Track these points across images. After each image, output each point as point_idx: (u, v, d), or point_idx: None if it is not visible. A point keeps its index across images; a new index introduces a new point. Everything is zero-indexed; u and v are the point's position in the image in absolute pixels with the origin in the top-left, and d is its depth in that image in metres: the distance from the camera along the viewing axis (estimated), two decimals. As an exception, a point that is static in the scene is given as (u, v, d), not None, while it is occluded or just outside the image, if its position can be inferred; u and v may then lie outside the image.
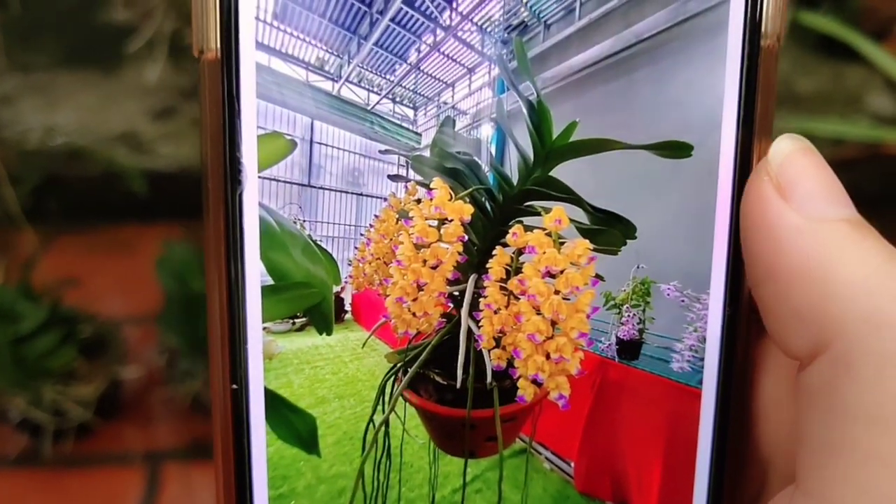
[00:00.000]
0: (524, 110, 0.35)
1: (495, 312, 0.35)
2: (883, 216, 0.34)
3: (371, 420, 0.36)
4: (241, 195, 0.32)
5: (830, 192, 0.29)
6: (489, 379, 0.36)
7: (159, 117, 1.09)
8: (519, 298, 0.35)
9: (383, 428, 0.36)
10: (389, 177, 0.36)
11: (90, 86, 1.12)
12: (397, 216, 0.36)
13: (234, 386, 0.33)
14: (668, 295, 0.34)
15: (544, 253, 0.34)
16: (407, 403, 0.36)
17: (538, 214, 0.35)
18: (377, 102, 0.37)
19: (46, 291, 0.94)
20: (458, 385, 0.36)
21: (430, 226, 0.35)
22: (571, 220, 0.34)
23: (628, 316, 0.36)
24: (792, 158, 0.30)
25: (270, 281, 0.33)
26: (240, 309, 0.32)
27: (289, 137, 0.34)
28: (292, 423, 0.34)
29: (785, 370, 0.32)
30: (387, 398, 0.36)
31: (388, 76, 0.37)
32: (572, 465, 0.38)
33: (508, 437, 0.37)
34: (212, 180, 0.31)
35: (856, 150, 1.01)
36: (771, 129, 0.33)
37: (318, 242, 0.35)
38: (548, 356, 0.35)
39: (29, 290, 0.96)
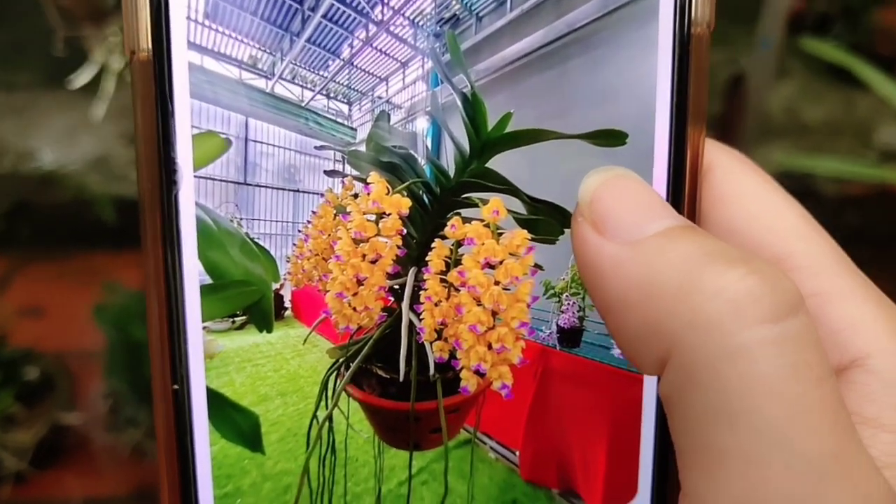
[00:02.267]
0: (459, 103, 0.35)
1: (436, 305, 0.35)
2: (892, 257, 0.34)
3: (314, 416, 0.36)
4: (176, 195, 0.32)
5: (639, 212, 0.29)
6: (432, 371, 0.36)
7: (132, 142, 1.08)
8: (459, 290, 0.35)
9: (327, 423, 0.36)
10: (326, 172, 0.36)
11: (68, 108, 1.10)
12: (335, 211, 0.36)
13: (176, 386, 0.33)
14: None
15: (483, 244, 0.34)
16: (350, 398, 0.36)
17: (476, 206, 0.35)
18: (311, 99, 0.37)
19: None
20: (401, 378, 0.36)
21: (368, 220, 0.35)
22: (509, 211, 0.35)
23: (568, 304, 0.36)
24: (599, 192, 0.30)
25: (209, 280, 0.33)
26: (179, 308, 0.32)
27: (223, 136, 0.34)
28: (235, 422, 0.34)
29: None
30: (330, 393, 0.36)
31: (321, 72, 0.36)
32: (517, 454, 0.38)
33: (453, 429, 0.37)
34: (147, 181, 0.31)
35: (863, 188, 1.00)
36: (705, 115, 0.33)
37: (256, 240, 0.35)
38: (489, 346, 0.35)
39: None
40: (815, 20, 1.03)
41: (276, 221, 0.36)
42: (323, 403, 0.36)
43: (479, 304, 0.35)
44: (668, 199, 0.33)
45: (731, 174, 0.34)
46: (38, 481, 0.96)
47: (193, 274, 0.32)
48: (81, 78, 1.02)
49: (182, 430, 0.33)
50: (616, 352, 0.35)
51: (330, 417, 0.36)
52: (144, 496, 0.96)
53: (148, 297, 0.32)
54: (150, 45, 0.31)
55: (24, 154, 1.11)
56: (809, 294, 0.31)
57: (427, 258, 0.36)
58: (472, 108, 0.35)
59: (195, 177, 0.32)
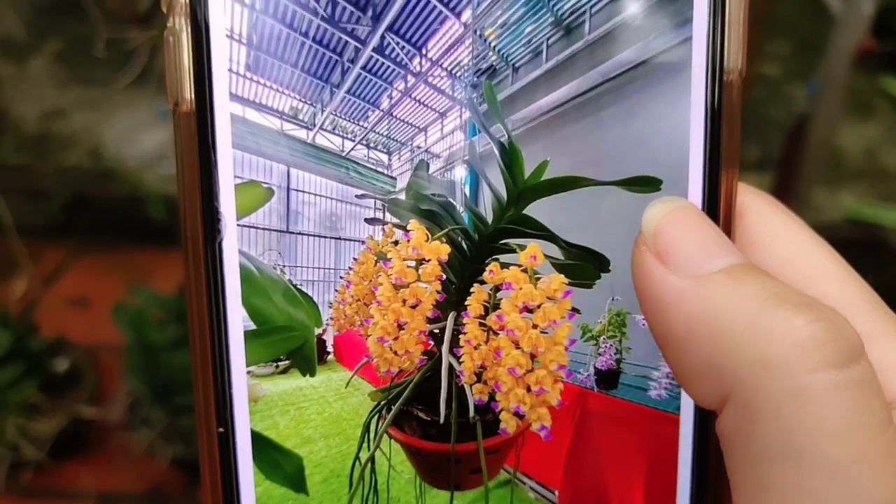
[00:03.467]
0: (496, 151, 0.35)
1: (475, 348, 0.36)
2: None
3: (357, 457, 0.36)
4: (220, 243, 0.32)
5: (705, 247, 0.30)
6: (472, 413, 0.36)
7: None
8: (498, 334, 0.35)
9: (369, 465, 0.36)
10: (366, 220, 0.37)
11: (138, 104, 1.12)
12: (376, 258, 0.36)
13: (221, 429, 0.34)
14: (644, 325, 0.35)
15: (521, 289, 0.35)
16: (392, 440, 0.37)
17: (514, 251, 0.35)
18: (352, 149, 0.37)
19: (21, 319, 0.94)
20: (442, 420, 0.36)
21: (408, 266, 0.35)
22: (546, 256, 0.35)
23: (605, 347, 0.37)
24: (664, 224, 0.30)
25: (253, 326, 0.34)
26: (223, 354, 0.32)
27: (266, 185, 0.34)
28: (279, 464, 0.35)
29: None
30: (372, 435, 0.36)
31: (361, 123, 0.37)
32: (556, 493, 0.38)
33: (493, 469, 0.37)
34: (190, 230, 0.32)
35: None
36: (737, 160, 0.34)
37: (299, 286, 0.35)
38: (528, 389, 0.35)
39: (6, 317, 0.96)
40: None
41: (319, 268, 0.36)
42: (365, 445, 0.36)
43: (517, 347, 0.35)
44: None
45: (763, 217, 0.34)
46: (55, 472, 0.97)
47: (237, 320, 0.33)
48: (126, 77, 1.03)
49: (227, 472, 0.33)
50: (653, 393, 0.36)
51: (372, 459, 0.36)
52: (155, 496, 0.97)
53: (192, 342, 0.33)
54: (193, 97, 0.31)
55: (90, 148, 1.12)
56: None
57: (466, 303, 0.36)
58: (510, 156, 0.35)
59: (238, 225, 0.32)
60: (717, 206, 0.33)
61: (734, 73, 0.33)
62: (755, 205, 0.34)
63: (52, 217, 1.22)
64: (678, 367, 0.30)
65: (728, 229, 0.34)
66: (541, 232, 0.35)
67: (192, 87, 0.31)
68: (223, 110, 0.32)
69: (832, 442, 0.26)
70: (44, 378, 0.99)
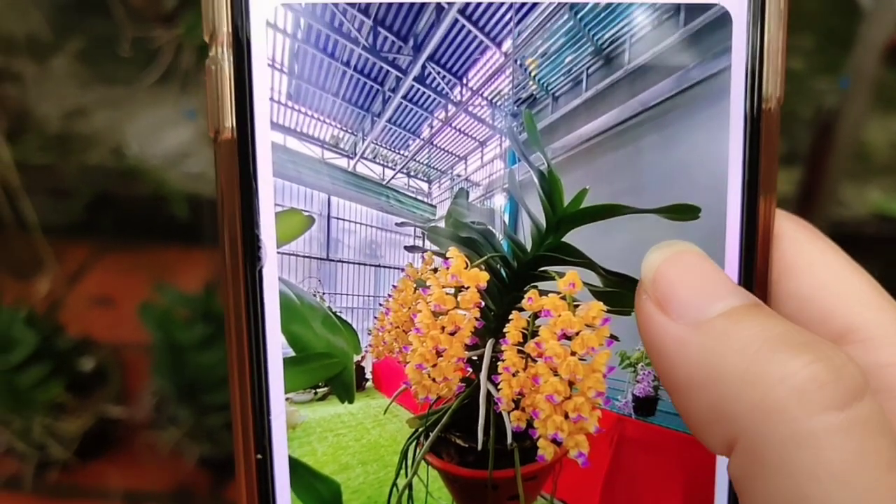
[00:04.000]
0: (535, 180, 0.35)
1: (513, 375, 0.36)
2: None
3: (395, 484, 0.36)
4: (261, 271, 0.32)
5: (704, 291, 0.29)
6: (510, 440, 0.36)
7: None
8: (536, 361, 0.35)
9: (407, 492, 0.36)
10: (406, 248, 0.37)
11: (161, 102, 1.12)
12: (415, 285, 0.36)
13: (259, 456, 0.34)
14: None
15: (559, 316, 0.35)
16: (429, 467, 0.37)
17: (552, 279, 0.35)
18: (392, 177, 0.37)
19: (46, 319, 0.95)
20: (480, 447, 0.36)
21: (447, 293, 0.35)
22: (585, 284, 0.35)
23: (643, 374, 0.37)
24: (662, 270, 0.30)
25: (292, 353, 0.34)
26: (262, 380, 0.33)
27: (306, 214, 0.34)
28: (317, 490, 0.35)
29: None
30: (409, 462, 0.36)
31: (402, 151, 0.37)
32: None
33: (530, 496, 0.37)
34: (230, 258, 0.32)
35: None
36: (775, 188, 0.33)
37: (338, 314, 0.35)
38: (566, 416, 0.35)
39: (32, 317, 0.96)
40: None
41: (358, 295, 0.36)
42: (403, 472, 0.36)
43: (555, 374, 0.35)
44: (740, 271, 0.33)
45: (799, 243, 0.34)
46: (82, 471, 0.98)
47: (277, 347, 0.33)
48: (150, 76, 1.03)
49: (265, 499, 0.34)
50: (690, 421, 0.36)
51: (410, 485, 0.36)
52: (181, 495, 0.97)
53: (231, 369, 0.33)
54: (234, 126, 0.31)
55: (113, 147, 1.12)
56: (883, 364, 0.31)
57: (504, 330, 0.36)
58: (549, 184, 0.35)
59: (279, 253, 0.32)
60: (755, 234, 0.33)
61: (772, 101, 0.33)
62: (792, 231, 0.34)
63: (75, 216, 1.22)
64: (685, 414, 0.29)
65: (766, 257, 0.34)
66: (579, 259, 0.35)
67: (234, 115, 0.32)
68: (264, 139, 0.32)
69: (836, 486, 0.25)
70: (70, 377, 1.00)
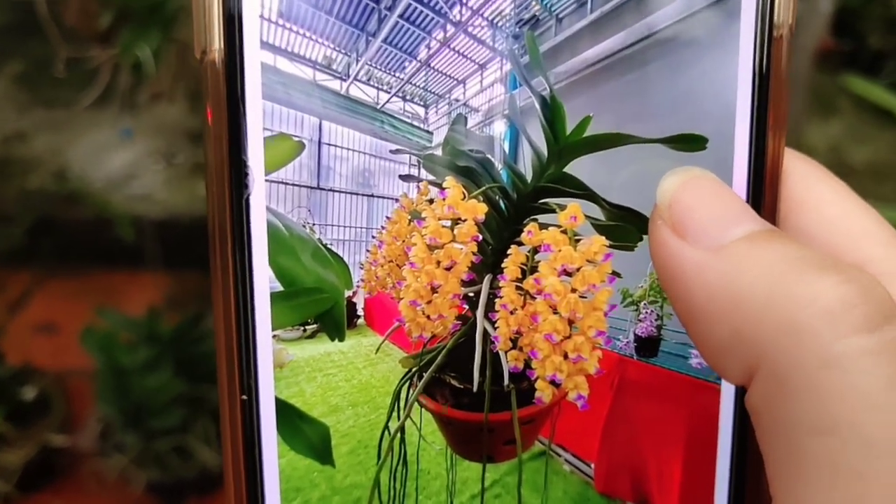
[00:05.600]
0: (537, 106, 0.34)
1: (511, 313, 0.35)
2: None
3: (386, 427, 0.35)
4: (247, 199, 0.31)
5: (723, 215, 0.29)
6: (506, 381, 0.35)
7: (161, 161, 1.08)
8: (535, 298, 0.34)
9: (399, 435, 0.35)
10: (401, 177, 0.36)
11: (101, 124, 1.10)
12: (409, 217, 0.35)
13: (244, 396, 0.32)
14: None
15: (560, 251, 0.34)
16: (423, 409, 0.36)
17: (553, 212, 0.34)
18: (387, 101, 0.36)
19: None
20: (475, 388, 0.35)
21: (443, 226, 0.34)
22: (587, 217, 0.34)
23: (646, 313, 0.36)
24: (678, 194, 0.29)
25: (280, 287, 0.32)
26: (248, 316, 0.31)
27: (296, 139, 0.33)
28: (305, 433, 0.34)
29: None
30: (402, 404, 0.35)
31: (397, 74, 0.36)
32: (592, 466, 0.37)
33: (527, 440, 0.36)
34: (216, 185, 0.30)
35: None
36: (785, 118, 0.33)
37: (329, 246, 0.34)
38: (566, 356, 0.34)
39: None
40: (867, 59, 1.02)
41: (350, 227, 0.36)
42: (395, 414, 0.36)
43: (555, 312, 0.34)
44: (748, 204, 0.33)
45: (808, 180, 0.33)
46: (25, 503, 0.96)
47: (264, 281, 0.31)
48: (88, 97, 1.02)
49: (250, 442, 0.32)
50: (694, 361, 0.35)
51: (402, 429, 0.35)
52: None
53: (215, 303, 0.31)
54: (221, 45, 0.30)
55: (53, 171, 1.11)
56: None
57: (502, 265, 0.35)
58: (551, 111, 0.34)
59: (266, 181, 0.31)
60: (763, 168, 0.33)
61: (784, 27, 0.32)
62: (800, 168, 0.34)
63: (16, 242, 1.20)
64: (702, 342, 0.29)
65: (774, 191, 0.33)
66: (582, 191, 0.34)
67: (222, 33, 0.30)
68: (253, 59, 0.31)
69: (866, 410, 0.25)
70: (10, 407, 0.98)
